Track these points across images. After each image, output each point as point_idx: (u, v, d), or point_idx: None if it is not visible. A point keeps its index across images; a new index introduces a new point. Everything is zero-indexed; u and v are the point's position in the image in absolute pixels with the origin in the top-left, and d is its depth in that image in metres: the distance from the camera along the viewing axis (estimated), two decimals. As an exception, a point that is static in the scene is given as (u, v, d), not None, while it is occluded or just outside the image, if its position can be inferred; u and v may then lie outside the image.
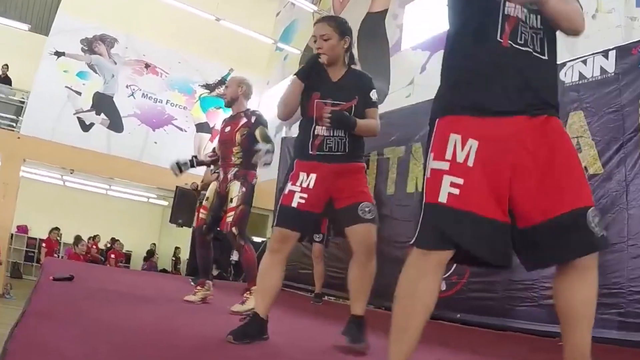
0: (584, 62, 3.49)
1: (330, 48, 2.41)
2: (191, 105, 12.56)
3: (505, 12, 1.49)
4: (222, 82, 11.38)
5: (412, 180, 4.79)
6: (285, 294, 4.03)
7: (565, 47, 2.71)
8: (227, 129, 3.69)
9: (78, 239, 10.18)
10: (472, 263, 1.60)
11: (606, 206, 3.19)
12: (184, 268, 12.00)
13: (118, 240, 13.20)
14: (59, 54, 11.20)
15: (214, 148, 3.93)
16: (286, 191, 2.41)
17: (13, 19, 12.65)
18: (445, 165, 1.45)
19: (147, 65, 12.17)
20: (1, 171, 10.12)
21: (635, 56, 3.25)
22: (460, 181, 1.42)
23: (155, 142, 11.91)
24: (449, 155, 1.46)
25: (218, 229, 3.69)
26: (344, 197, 2.40)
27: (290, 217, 2.35)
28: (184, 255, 12.22)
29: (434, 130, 1.55)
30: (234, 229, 3.46)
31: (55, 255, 10.91)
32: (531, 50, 1.50)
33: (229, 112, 3.86)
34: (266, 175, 6.41)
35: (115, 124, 11.59)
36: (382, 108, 2.60)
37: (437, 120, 1.55)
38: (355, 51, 2.61)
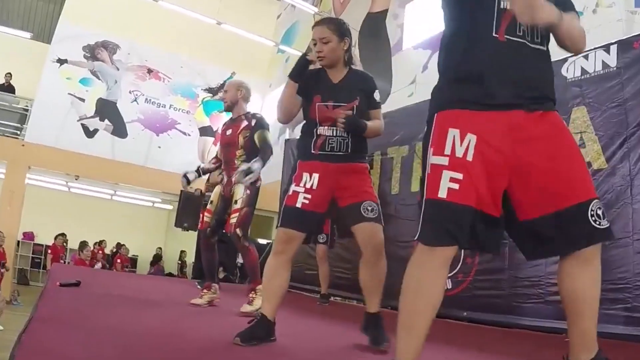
0: (586, 57, 3.48)
1: (330, 50, 2.42)
2: (194, 110, 12.60)
3: (502, 6, 1.50)
4: (224, 85, 11.43)
5: (416, 180, 4.79)
6: (292, 295, 4.03)
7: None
8: (229, 132, 3.70)
9: (83, 244, 10.22)
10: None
11: (611, 201, 3.18)
12: (190, 271, 12.03)
13: (124, 245, 13.24)
14: (61, 61, 11.26)
15: (217, 153, 3.94)
16: (290, 192, 2.41)
17: (15, 27, 12.76)
18: (444, 161, 1.46)
19: (149, 71, 12.22)
20: (6, 178, 10.19)
21: (637, 50, 3.24)
22: (459, 176, 1.43)
23: (159, 147, 11.95)
24: (448, 150, 1.46)
25: (224, 231, 3.71)
26: (347, 196, 2.40)
27: (294, 217, 2.35)
28: (190, 258, 12.24)
29: (433, 125, 1.55)
30: (238, 230, 3.48)
31: (61, 261, 10.94)
32: (529, 42, 1.50)
33: (230, 115, 3.86)
34: (270, 177, 6.41)
35: (119, 130, 11.63)
36: (385, 108, 2.61)
37: (436, 115, 1.55)
38: (356, 52, 2.61)
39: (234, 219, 3.50)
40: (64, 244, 11.92)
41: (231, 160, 3.66)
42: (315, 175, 2.37)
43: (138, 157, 11.43)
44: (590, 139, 3.38)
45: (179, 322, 2.85)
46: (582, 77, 3.51)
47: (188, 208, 8.40)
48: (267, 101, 12.68)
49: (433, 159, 1.49)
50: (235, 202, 3.54)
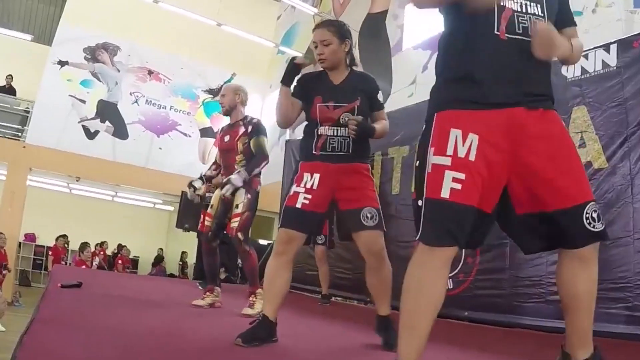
0: (586, 56, 3.48)
1: (331, 53, 2.43)
2: (195, 111, 12.61)
3: (501, 4, 1.50)
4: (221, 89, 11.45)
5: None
6: (293, 295, 4.04)
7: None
8: (227, 138, 3.72)
9: (84, 245, 10.24)
10: None
11: (611, 200, 3.18)
12: (191, 272, 12.03)
13: (125, 246, 13.25)
14: (62, 63, 11.27)
15: (216, 158, 3.95)
16: (291, 192, 2.42)
17: (16, 29, 12.78)
18: (447, 161, 1.46)
19: (150, 72, 12.23)
20: (7, 180, 10.20)
21: (637, 49, 3.24)
22: (462, 176, 1.43)
23: (160, 148, 11.96)
24: (450, 150, 1.46)
25: (225, 232, 3.72)
26: (347, 199, 2.40)
27: (294, 217, 2.36)
28: (191, 259, 12.25)
29: (433, 124, 1.55)
30: (239, 235, 3.50)
31: (63, 262, 10.95)
32: (529, 40, 1.49)
33: (227, 119, 3.88)
34: (271, 178, 6.42)
35: (120, 131, 11.65)
36: (385, 108, 2.61)
37: (435, 115, 1.55)
38: (356, 52, 2.62)
39: (235, 223, 3.52)
40: (65, 245, 11.93)
41: (231, 165, 3.67)
42: (316, 176, 2.37)
43: (139, 158, 11.44)
44: (590, 138, 3.38)
45: (180, 323, 2.86)
46: (582, 77, 3.51)
47: (189, 209, 8.41)
48: (267, 102, 12.69)
49: (434, 159, 1.49)
50: (237, 206, 3.55)
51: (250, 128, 3.65)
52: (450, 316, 3.86)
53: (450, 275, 2.73)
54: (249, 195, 3.57)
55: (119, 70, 11.91)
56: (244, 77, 12.13)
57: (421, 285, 1.45)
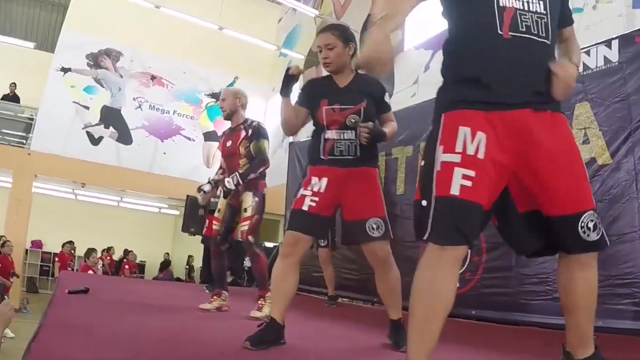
0: (587, 52, 3.47)
1: (336, 56, 2.45)
2: (198, 115, 12.65)
3: (500, 5, 1.49)
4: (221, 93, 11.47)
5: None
6: (300, 297, 4.03)
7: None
8: (229, 142, 3.73)
9: (89, 251, 10.28)
10: None
11: (616, 196, 3.17)
12: (197, 276, 12.05)
13: (131, 251, 13.28)
14: (65, 70, 11.33)
15: (221, 163, 3.97)
16: (298, 195, 2.43)
17: (19, 37, 12.85)
18: (456, 158, 1.45)
19: (153, 77, 12.28)
20: (13, 187, 10.26)
21: (638, 44, 3.23)
22: (472, 173, 1.42)
23: (165, 153, 12.01)
24: (459, 147, 1.46)
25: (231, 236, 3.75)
26: (353, 208, 2.41)
27: (301, 220, 2.37)
28: (197, 263, 12.27)
29: (441, 124, 1.54)
30: (250, 238, 3.53)
31: (69, 268, 10.98)
32: (535, 37, 1.49)
33: (228, 123, 3.89)
34: (275, 180, 6.42)
35: (124, 137, 11.69)
36: (388, 108, 2.62)
37: (443, 115, 1.55)
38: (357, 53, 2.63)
39: (244, 226, 3.54)
40: (72, 251, 11.97)
41: (235, 169, 3.68)
42: (324, 180, 2.39)
43: (143, 163, 11.48)
44: (594, 134, 3.37)
45: (188, 327, 2.87)
46: (585, 73, 3.50)
47: (194, 213, 8.43)
48: (270, 105, 12.71)
49: (443, 157, 1.48)
50: (245, 210, 3.57)
51: (250, 132, 3.66)
52: (457, 315, 3.85)
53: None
54: (256, 199, 3.59)
55: (122, 76, 11.96)
56: (247, 81, 12.15)
57: (432, 287, 1.43)
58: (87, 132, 11.31)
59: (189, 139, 12.40)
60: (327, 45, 2.45)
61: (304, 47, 11.58)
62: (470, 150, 1.44)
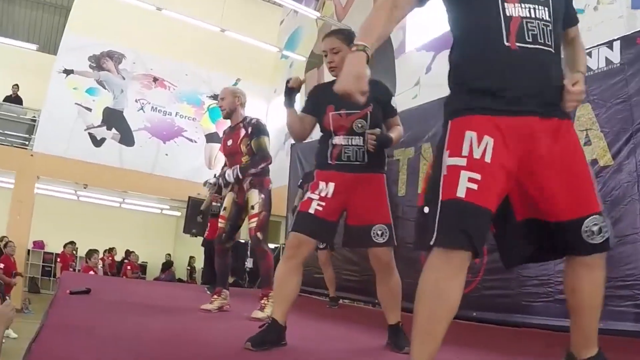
0: (589, 54, 3.47)
1: (341, 60, 2.44)
2: (200, 116, 12.67)
3: (507, 14, 1.48)
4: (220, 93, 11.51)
5: (422, 181, 4.80)
6: (302, 298, 4.03)
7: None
8: (230, 141, 3.74)
9: (91, 252, 10.31)
10: None
11: (618, 198, 3.17)
12: (199, 277, 12.06)
13: (133, 252, 13.30)
14: (67, 71, 11.35)
15: (225, 162, 3.99)
16: (305, 198, 2.44)
17: (21, 39, 12.90)
18: (462, 162, 1.44)
19: (155, 79, 12.30)
20: (16, 188, 10.28)
21: (640, 46, 3.24)
22: (478, 176, 1.41)
23: (167, 154, 12.02)
24: (465, 151, 1.45)
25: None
26: (359, 214, 2.41)
27: (306, 222, 2.37)
28: (199, 264, 12.28)
29: (448, 131, 1.54)
30: (258, 234, 3.53)
31: (71, 269, 11.00)
32: (541, 46, 1.48)
33: (228, 122, 3.91)
34: (277, 182, 6.43)
35: (126, 138, 11.71)
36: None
37: (450, 121, 1.55)
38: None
39: (253, 223, 3.55)
40: (74, 252, 12.00)
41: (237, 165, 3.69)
42: (331, 185, 2.39)
43: (145, 164, 11.51)
44: (595, 136, 3.37)
45: (190, 328, 2.87)
46: (586, 74, 3.50)
47: (196, 215, 8.46)
48: (272, 106, 12.73)
49: (450, 161, 1.47)
50: (252, 207, 3.58)
51: (250, 129, 3.66)
52: (458, 317, 3.80)
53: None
54: (262, 196, 3.60)
55: (124, 78, 11.98)
56: (248, 82, 12.17)
57: (436, 290, 1.42)
58: (90, 134, 11.34)
59: (191, 140, 12.42)
60: (332, 50, 2.46)
61: (306, 49, 11.60)
62: (477, 154, 1.43)
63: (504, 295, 3.79)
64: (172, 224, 15.15)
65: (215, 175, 4.08)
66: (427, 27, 7.28)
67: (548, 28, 1.49)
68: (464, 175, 1.42)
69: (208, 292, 5.02)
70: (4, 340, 2.37)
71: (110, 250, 12.99)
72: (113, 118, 11.66)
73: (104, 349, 1.98)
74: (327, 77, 2.62)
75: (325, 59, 2.51)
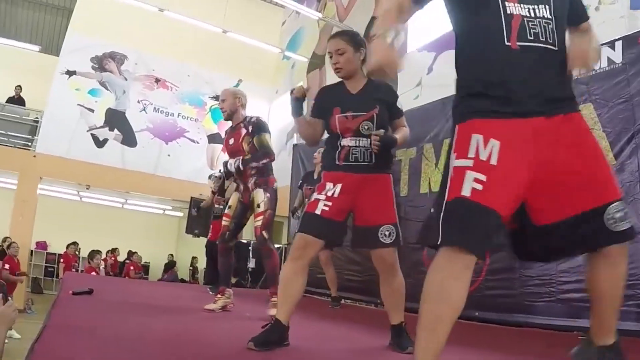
0: (591, 54, 3.47)
1: (346, 61, 2.46)
2: (202, 117, 12.68)
3: (508, 12, 1.48)
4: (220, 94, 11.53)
5: (424, 181, 4.80)
6: (304, 298, 4.03)
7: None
8: (231, 141, 3.77)
9: (93, 253, 10.33)
10: None
11: (620, 197, 3.17)
12: (201, 277, 12.08)
13: (136, 252, 13.33)
14: (70, 73, 11.38)
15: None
16: (312, 199, 2.44)
17: (24, 41, 12.94)
18: (468, 163, 1.44)
19: (157, 80, 12.32)
20: (18, 189, 10.31)
21: (642, 46, 3.24)
22: (483, 178, 1.41)
23: (169, 155, 12.04)
24: (471, 153, 1.45)
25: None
26: (366, 214, 2.41)
27: (313, 223, 2.37)
28: (201, 264, 12.29)
29: (455, 135, 1.54)
30: (264, 233, 3.55)
31: (74, 269, 11.03)
32: (543, 45, 1.48)
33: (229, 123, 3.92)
34: (279, 182, 6.44)
35: (129, 139, 11.73)
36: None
37: (457, 126, 1.55)
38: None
39: (258, 222, 3.57)
40: (76, 252, 12.02)
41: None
42: (338, 185, 2.39)
43: (148, 165, 11.53)
44: (597, 135, 3.36)
45: (192, 328, 2.88)
46: (588, 74, 3.50)
47: (198, 215, 8.48)
48: (274, 107, 12.75)
49: (456, 162, 1.47)
50: (258, 206, 3.60)
51: (251, 128, 3.69)
52: (460, 316, 3.80)
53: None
54: (267, 194, 3.62)
55: (126, 79, 12.01)
56: (250, 83, 12.19)
57: (440, 291, 1.42)
58: (92, 135, 11.36)
59: (193, 141, 12.44)
60: (337, 51, 2.46)
61: (308, 50, 11.61)
62: (483, 156, 1.43)
63: (506, 295, 3.79)
64: (175, 224, 15.17)
65: (220, 170, 4.09)
66: (429, 27, 7.27)
67: (550, 26, 1.49)
68: (470, 175, 1.42)
69: (210, 293, 5.03)
70: (6, 341, 2.37)
71: (113, 251, 13.01)
72: (115, 119, 11.69)
73: (106, 349, 1.98)
74: (329, 78, 2.64)
75: (330, 60, 2.51)
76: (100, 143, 11.42)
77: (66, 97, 11.15)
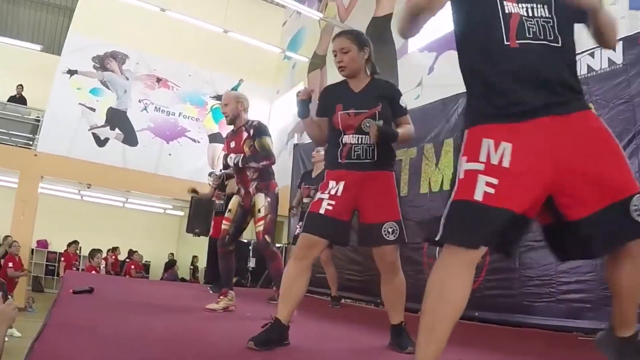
0: (592, 54, 3.47)
1: (350, 60, 2.46)
2: (203, 117, 12.70)
3: (506, 11, 1.48)
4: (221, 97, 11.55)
5: (425, 181, 4.80)
6: (304, 298, 4.05)
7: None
8: (232, 143, 3.78)
9: (94, 252, 10.33)
10: None
11: (620, 198, 3.16)
12: (202, 276, 12.09)
13: (136, 251, 13.34)
14: (71, 72, 11.40)
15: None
16: (315, 199, 2.44)
17: (26, 40, 12.96)
18: (480, 166, 1.44)
19: (158, 80, 12.34)
20: (19, 188, 10.32)
21: (642, 46, 3.24)
22: (495, 181, 1.40)
23: (170, 154, 12.06)
24: (483, 157, 1.44)
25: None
26: (370, 212, 2.41)
27: (317, 223, 2.37)
28: (202, 264, 12.31)
29: (464, 139, 1.54)
30: (266, 237, 3.58)
31: (75, 268, 11.05)
32: (543, 42, 1.47)
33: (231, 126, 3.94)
34: (280, 182, 6.44)
35: (130, 138, 11.75)
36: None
37: (467, 131, 1.55)
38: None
39: (260, 226, 3.58)
40: (77, 251, 12.04)
41: (242, 171, 3.70)
42: (341, 183, 2.39)
43: (149, 164, 11.54)
44: (598, 136, 3.38)
45: (193, 328, 2.88)
46: (589, 75, 3.50)
47: (199, 214, 8.48)
48: (275, 107, 12.75)
49: (467, 166, 1.47)
50: (259, 210, 3.61)
51: (252, 131, 3.70)
52: (460, 317, 3.84)
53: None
54: (269, 199, 3.63)
55: (127, 79, 12.02)
56: (251, 83, 12.21)
57: (442, 290, 1.42)
58: (93, 134, 11.38)
59: (194, 140, 12.45)
60: (341, 49, 2.47)
61: (309, 50, 11.61)
62: (495, 160, 1.43)
63: (506, 295, 3.79)
64: (175, 223, 15.19)
65: (220, 169, 4.11)
66: (430, 27, 7.27)
67: (549, 24, 1.48)
68: (482, 179, 1.42)
69: (211, 292, 5.04)
70: (6, 339, 2.38)
71: (114, 250, 13.03)
72: (116, 118, 11.70)
73: (106, 348, 1.98)
74: (330, 78, 2.64)
75: (334, 58, 2.51)
76: (101, 142, 11.43)
77: (67, 96, 11.16)
